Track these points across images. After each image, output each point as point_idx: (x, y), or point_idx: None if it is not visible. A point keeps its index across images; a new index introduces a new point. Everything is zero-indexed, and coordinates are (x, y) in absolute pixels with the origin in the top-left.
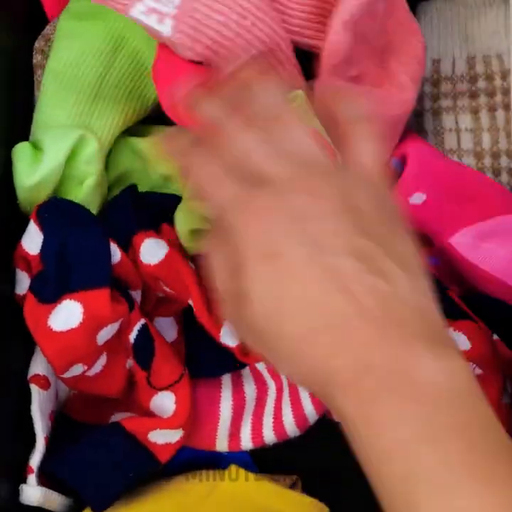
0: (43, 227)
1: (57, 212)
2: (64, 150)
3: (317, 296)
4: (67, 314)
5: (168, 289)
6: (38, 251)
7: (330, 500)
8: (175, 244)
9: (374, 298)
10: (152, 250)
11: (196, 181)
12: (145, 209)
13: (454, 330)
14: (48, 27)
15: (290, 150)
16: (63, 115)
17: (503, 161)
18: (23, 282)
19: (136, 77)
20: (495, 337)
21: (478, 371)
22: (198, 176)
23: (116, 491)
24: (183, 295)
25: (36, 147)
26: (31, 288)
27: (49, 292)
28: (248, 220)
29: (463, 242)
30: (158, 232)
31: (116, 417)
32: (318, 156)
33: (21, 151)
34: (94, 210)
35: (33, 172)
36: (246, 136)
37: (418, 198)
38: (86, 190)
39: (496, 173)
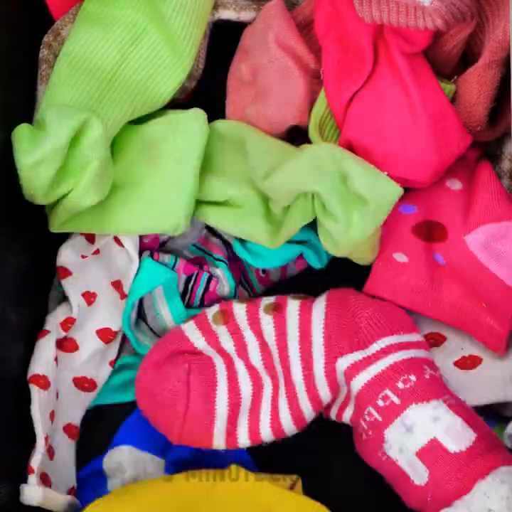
0: None
1: None
2: (68, 128)
3: None
4: None
5: None
6: None
7: (330, 500)
8: None
9: None
10: None
11: None
12: None
13: None
14: (58, 22)
15: None
16: (72, 96)
17: None
18: None
19: (152, 71)
20: None
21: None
22: None
23: None
24: None
25: (40, 128)
26: None
27: None
28: None
29: (475, 239)
30: None
31: None
32: None
33: (20, 132)
34: (95, 198)
35: (35, 150)
36: None
37: (455, 184)
38: (88, 176)
39: None
